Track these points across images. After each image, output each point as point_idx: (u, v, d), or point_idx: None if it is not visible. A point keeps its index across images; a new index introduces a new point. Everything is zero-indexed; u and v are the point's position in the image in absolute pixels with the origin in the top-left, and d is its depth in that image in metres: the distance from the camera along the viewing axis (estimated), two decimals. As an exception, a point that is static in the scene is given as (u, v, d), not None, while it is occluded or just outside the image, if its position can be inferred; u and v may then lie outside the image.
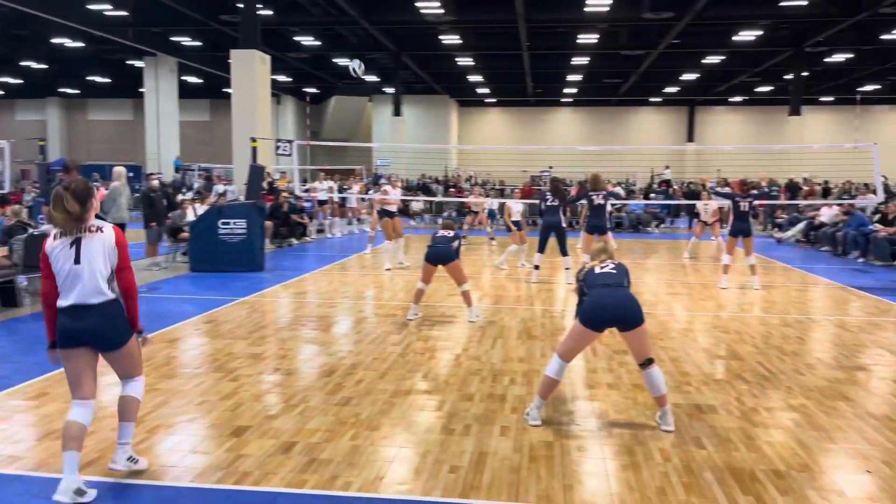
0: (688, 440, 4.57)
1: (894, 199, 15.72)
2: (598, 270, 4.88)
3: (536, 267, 11.32)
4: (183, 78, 35.50)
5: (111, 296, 3.85)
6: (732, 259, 10.90)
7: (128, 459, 3.96)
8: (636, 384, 5.74)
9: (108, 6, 22.30)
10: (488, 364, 6.36)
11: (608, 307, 4.64)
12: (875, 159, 13.81)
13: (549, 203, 11.30)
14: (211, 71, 32.81)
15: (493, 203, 22.50)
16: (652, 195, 25.17)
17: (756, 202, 11.61)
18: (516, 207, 13.98)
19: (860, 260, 14.11)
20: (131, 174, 31.11)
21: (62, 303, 3.77)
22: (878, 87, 38.27)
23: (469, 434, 4.64)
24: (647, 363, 4.72)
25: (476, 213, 18.06)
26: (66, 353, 3.80)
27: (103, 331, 3.82)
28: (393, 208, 12.89)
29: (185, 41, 28.51)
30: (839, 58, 30.19)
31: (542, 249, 11.19)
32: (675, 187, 28.04)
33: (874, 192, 15.71)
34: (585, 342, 4.85)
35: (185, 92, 37.93)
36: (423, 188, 29.12)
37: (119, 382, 4.05)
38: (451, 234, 8.22)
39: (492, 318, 8.43)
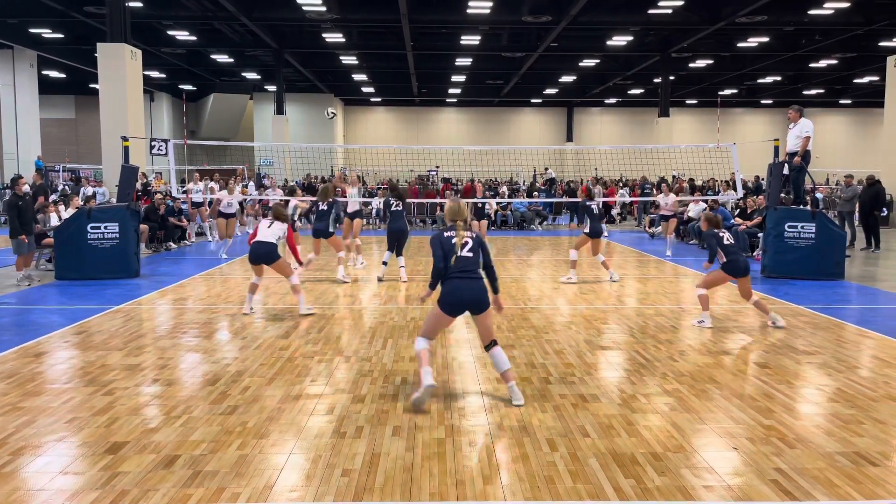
0: (573, 429, 4.75)
1: (753, 195, 17.00)
2: (459, 252, 5.28)
3: (385, 263, 11.54)
4: (44, 72, 33.08)
5: (275, 242, 8.45)
6: (578, 255, 11.41)
7: (304, 314, 8.57)
8: (523, 377, 5.90)
9: (-45, -7, 20.44)
10: (379, 365, 6.34)
11: (465, 297, 5.25)
12: (734, 158, 14.92)
13: (393, 209, 11.31)
14: (75, 65, 30.73)
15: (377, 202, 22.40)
16: (535, 193, 25.97)
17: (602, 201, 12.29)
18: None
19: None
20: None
21: (256, 239, 8.49)
22: (735, 91, 41.41)
23: (361, 436, 4.61)
24: (491, 345, 5.32)
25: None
26: (253, 266, 8.53)
27: (267, 253, 8.38)
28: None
29: (46, 33, 26.56)
30: (701, 63, 32.41)
31: (391, 249, 11.33)
32: (558, 185, 29.08)
33: (734, 188, 16.93)
34: (444, 324, 5.46)
35: (47, 87, 35.39)
36: (309, 188, 28.60)
37: None
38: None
39: (382, 318, 8.40)
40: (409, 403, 5.22)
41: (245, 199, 20.00)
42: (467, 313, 5.37)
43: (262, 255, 8.42)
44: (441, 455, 4.30)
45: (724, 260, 7.91)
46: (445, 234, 5.39)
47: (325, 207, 11.17)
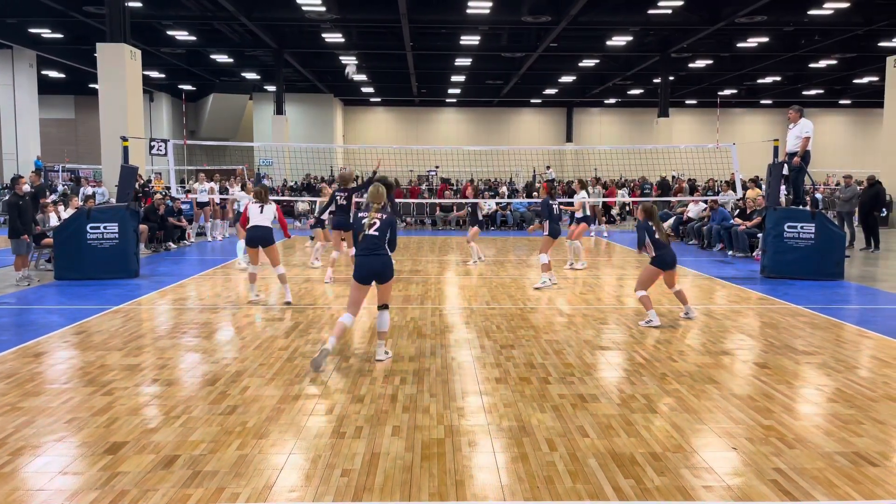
0: (573, 429, 4.75)
1: (747, 189, 16.97)
2: (367, 230, 6.27)
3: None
4: (43, 72, 33.07)
5: (270, 226, 9.03)
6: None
7: (286, 302, 9.15)
8: (523, 378, 5.90)
9: (-45, -7, 20.43)
10: (378, 364, 6.34)
11: (370, 270, 6.27)
12: (734, 158, 14.93)
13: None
14: (75, 65, 30.72)
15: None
16: (535, 194, 25.94)
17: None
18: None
19: (729, 253, 15.14)
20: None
21: (251, 224, 9.06)
22: (734, 91, 41.40)
23: (360, 436, 4.61)
24: (383, 307, 6.42)
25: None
26: (251, 250, 9.14)
27: (263, 237, 9.00)
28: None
29: (45, 33, 26.55)
30: (700, 63, 32.41)
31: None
32: (558, 186, 29.08)
33: (733, 187, 16.93)
34: (361, 293, 6.38)
35: (46, 87, 35.39)
36: (308, 188, 28.62)
37: None
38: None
39: (381, 318, 8.40)
40: (409, 402, 5.23)
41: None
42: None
43: (259, 238, 9.12)
44: (440, 455, 4.30)
45: (653, 254, 8.11)
46: (360, 214, 6.44)
47: (344, 202, 10.84)
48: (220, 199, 19.03)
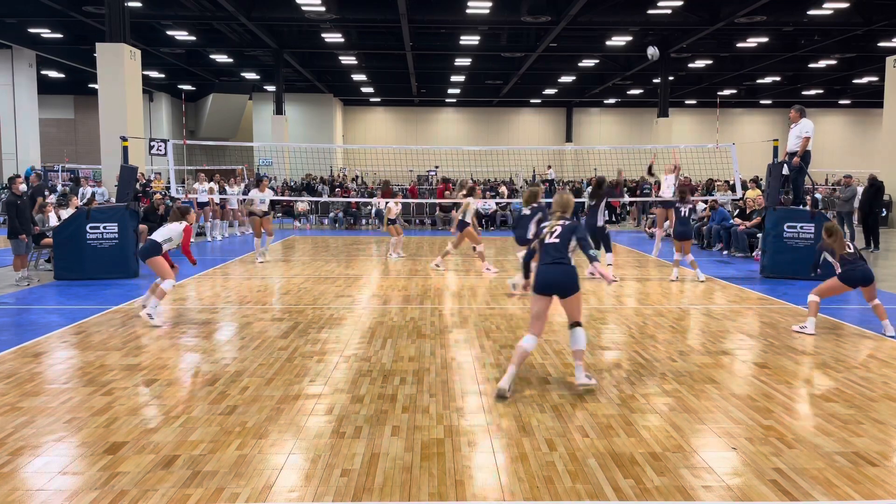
0: (572, 429, 4.74)
1: (747, 189, 16.96)
2: (548, 240, 5.67)
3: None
4: (43, 72, 33.08)
5: (158, 241, 8.09)
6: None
7: (148, 314, 7.92)
8: (522, 378, 5.90)
9: (-45, -7, 20.43)
10: (378, 364, 6.34)
11: (550, 281, 5.56)
12: (733, 158, 14.92)
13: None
14: (74, 65, 30.73)
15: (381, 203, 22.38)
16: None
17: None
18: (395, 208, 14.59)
19: (724, 252, 15.16)
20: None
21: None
22: (734, 91, 41.42)
23: (360, 436, 4.60)
24: (574, 325, 5.63)
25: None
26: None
27: (143, 250, 8.24)
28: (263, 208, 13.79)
29: (45, 33, 26.56)
30: (700, 63, 32.43)
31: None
32: (558, 186, 29.08)
33: (733, 188, 16.93)
34: (541, 306, 5.62)
35: (46, 87, 35.39)
36: (308, 188, 28.63)
37: None
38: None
39: (381, 318, 8.40)
40: (408, 402, 5.24)
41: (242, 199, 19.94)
42: None
43: (141, 251, 8.46)
44: (440, 455, 4.30)
45: (839, 271, 7.74)
46: (543, 223, 5.88)
47: (528, 212, 10.16)
48: (220, 199, 19.02)
